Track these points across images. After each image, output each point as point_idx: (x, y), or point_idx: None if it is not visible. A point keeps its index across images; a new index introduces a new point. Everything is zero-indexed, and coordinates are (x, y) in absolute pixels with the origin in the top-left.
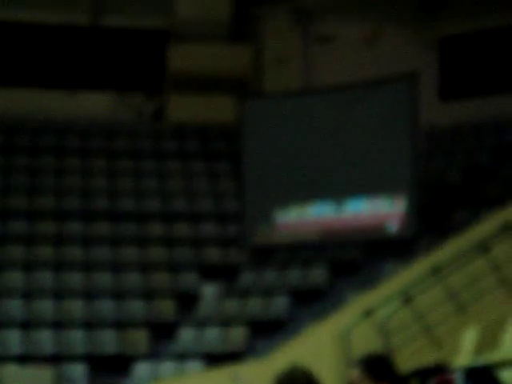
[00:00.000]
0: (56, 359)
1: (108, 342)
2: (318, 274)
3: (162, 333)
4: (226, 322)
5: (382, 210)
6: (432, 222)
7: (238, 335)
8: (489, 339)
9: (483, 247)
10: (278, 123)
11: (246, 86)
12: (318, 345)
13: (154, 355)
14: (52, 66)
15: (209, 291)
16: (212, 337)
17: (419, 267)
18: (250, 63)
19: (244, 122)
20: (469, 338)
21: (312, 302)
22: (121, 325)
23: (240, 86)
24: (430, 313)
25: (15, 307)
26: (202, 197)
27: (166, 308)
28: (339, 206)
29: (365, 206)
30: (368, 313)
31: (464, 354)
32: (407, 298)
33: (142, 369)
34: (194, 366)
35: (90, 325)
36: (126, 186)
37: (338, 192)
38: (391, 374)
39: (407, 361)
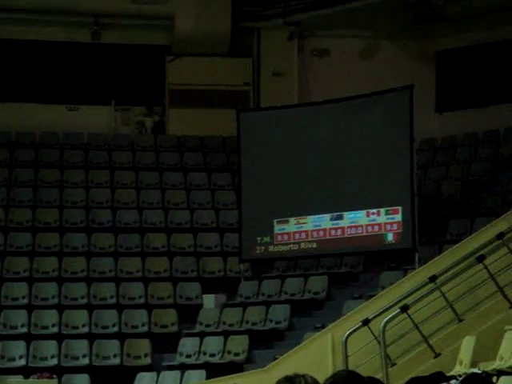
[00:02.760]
0: (60, 370)
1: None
2: (316, 284)
3: (164, 343)
4: (226, 332)
5: (379, 221)
6: (429, 232)
7: (238, 345)
8: (486, 347)
9: (479, 257)
10: (275, 136)
11: (245, 99)
12: (316, 354)
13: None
14: (54, 81)
15: (209, 301)
16: (213, 347)
17: (416, 277)
18: (248, 77)
19: (241, 134)
20: (466, 346)
21: (311, 312)
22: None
23: (239, 99)
24: (427, 322)
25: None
26: (202, 209)
27: (168, 318)
28: (337, 217)
29: (363, 217)
30: (366, 322)
31: (461, 362)
32: (404, 307)
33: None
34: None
35: (93, 335)
36: (127, 199)
37: (336, 203)
38: None
39: (405, 369)
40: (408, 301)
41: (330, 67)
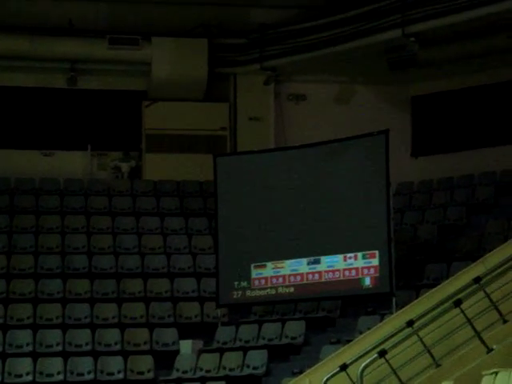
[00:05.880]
0: None
1: None
2: (293, 329)
3: None
4: (203, 378)
5: (356, 265)
6: (406, 276)
7: None
8: None
9: (456, 301)
10: (252, 180)
11: (222, 144)
12: None
13: None
14: (29, 127)
15: (186, 347)
16: None
17: (394, 322)
18: (224, 122)
19: (218, 179)
20: None
21: (288, 357)
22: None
23: (215, 144)
24: (405, 367)
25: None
26: (179, 253)
27: (144, 364)
28: (314, 261)
29: (340, 261)
30: (344, 367)
31: None
32: (382, 352)
33: None
34: None
35: (68, 383)
36: (103, 244)
37: (313, 248)
38: None
39: None
40: (386, 345)
41: (306, 112)
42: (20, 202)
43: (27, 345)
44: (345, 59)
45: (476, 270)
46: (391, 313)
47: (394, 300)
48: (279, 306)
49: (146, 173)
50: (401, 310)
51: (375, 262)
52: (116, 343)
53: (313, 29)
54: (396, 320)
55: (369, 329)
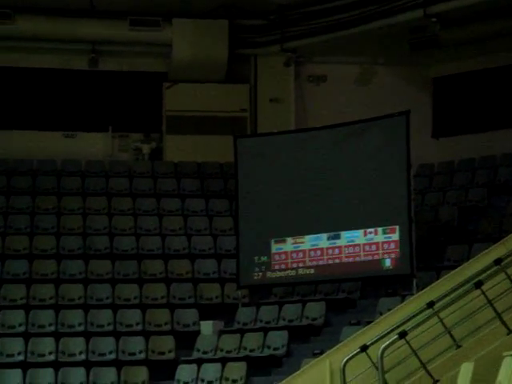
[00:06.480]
0: None
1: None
2: (314, 310)
3: (161, 370)
4: (224, 359)
5: (377, 241)
6: (426, 258)
7: (235, 372)
8: (484, 373)
9: (477, 283)
10: (272, 161)
11: (242, 125)
12: (315, 381)
13: None
14: (51, 108)
15: (207, 328)
16: (210, 374)
17: (414, 303)
18: (245, 103)
19: (239, 160)
20: (464, 372)
21: (309, 338)
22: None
23: (236, 125)
24: (425, 348)
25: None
26: (199, 235)
27: (166, 345)
28: (334, 237)
29: (360, 236)
30: (364, 348)
31: None
32: (402, 333)
33: None
34: None
35: (90, 363)
36: (124, 225)
37: (334, 227)
38: None
39: None
40: (406, 327)
41: (327, 93)
42: (42, 184)
43: (49, 325)
44: (366, 40)
45: (497, 251)
46: (412, 294)
47: (414, 281)
48: (299, 287)
49: (166, 154)
50: (421, 292)
51: (395, 237)
52: (137, 324)
53: (333, 9)
54: (416, 301)
55: (389, 310)
